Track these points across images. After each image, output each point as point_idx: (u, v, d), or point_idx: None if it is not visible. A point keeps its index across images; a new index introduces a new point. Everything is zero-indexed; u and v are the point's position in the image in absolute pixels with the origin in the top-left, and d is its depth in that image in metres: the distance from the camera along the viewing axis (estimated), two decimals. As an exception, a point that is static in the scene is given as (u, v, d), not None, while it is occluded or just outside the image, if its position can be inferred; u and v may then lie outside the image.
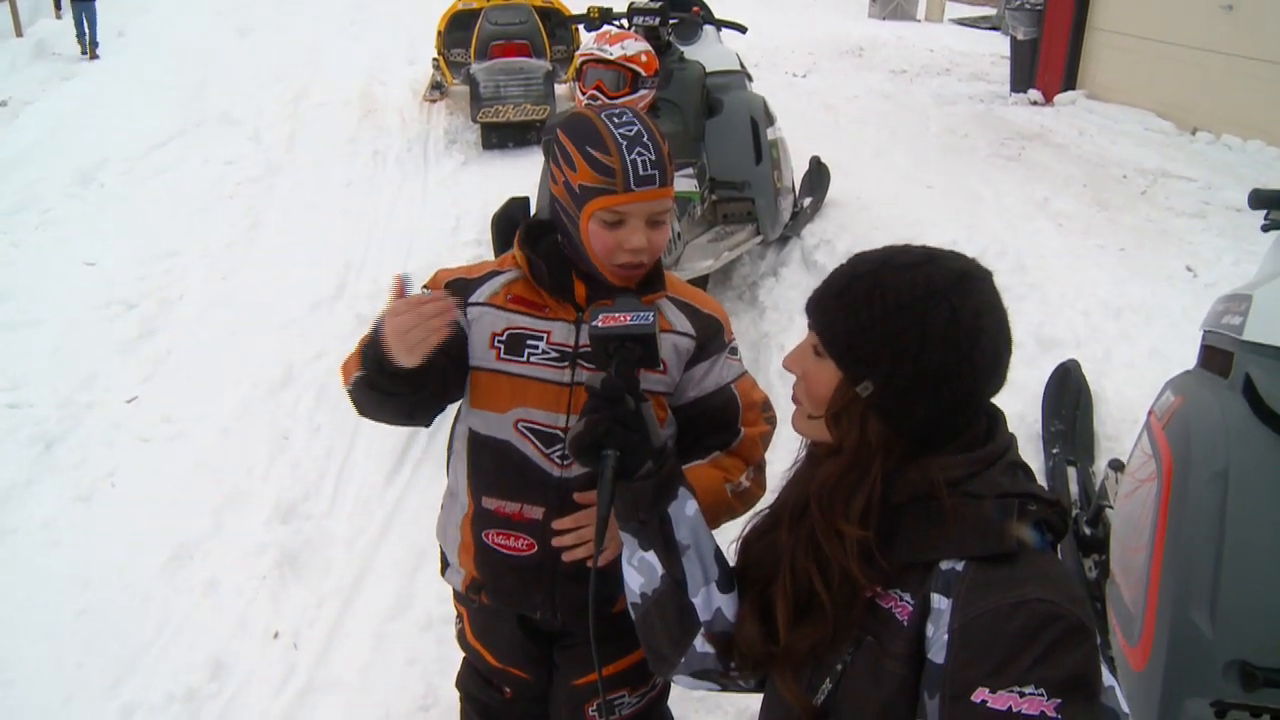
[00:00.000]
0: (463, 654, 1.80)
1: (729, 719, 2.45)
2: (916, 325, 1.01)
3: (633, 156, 1.35)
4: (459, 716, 1.87)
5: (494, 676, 1.73)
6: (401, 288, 1.35)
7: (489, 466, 1.51)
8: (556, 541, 1.46)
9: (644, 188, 1.36)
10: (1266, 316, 1.86)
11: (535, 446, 1.47)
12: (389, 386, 1.37)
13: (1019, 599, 0.94)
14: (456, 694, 1.86)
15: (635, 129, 1.37)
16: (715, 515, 1.45)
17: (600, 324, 1.23)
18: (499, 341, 1.47)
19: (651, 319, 1.23)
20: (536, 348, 1.46)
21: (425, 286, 1.55)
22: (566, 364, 1.45)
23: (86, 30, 11.24)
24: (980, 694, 0.92)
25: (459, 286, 1.51)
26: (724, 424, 1.54)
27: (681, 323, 1.51)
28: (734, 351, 1.57)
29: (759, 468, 1.57)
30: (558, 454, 1.47)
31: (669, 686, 1.75)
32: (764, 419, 1.59)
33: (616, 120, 1.38)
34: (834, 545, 1.06)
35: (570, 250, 1.46)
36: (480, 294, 1.50)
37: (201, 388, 3.99)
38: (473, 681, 1.78)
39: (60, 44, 11.33)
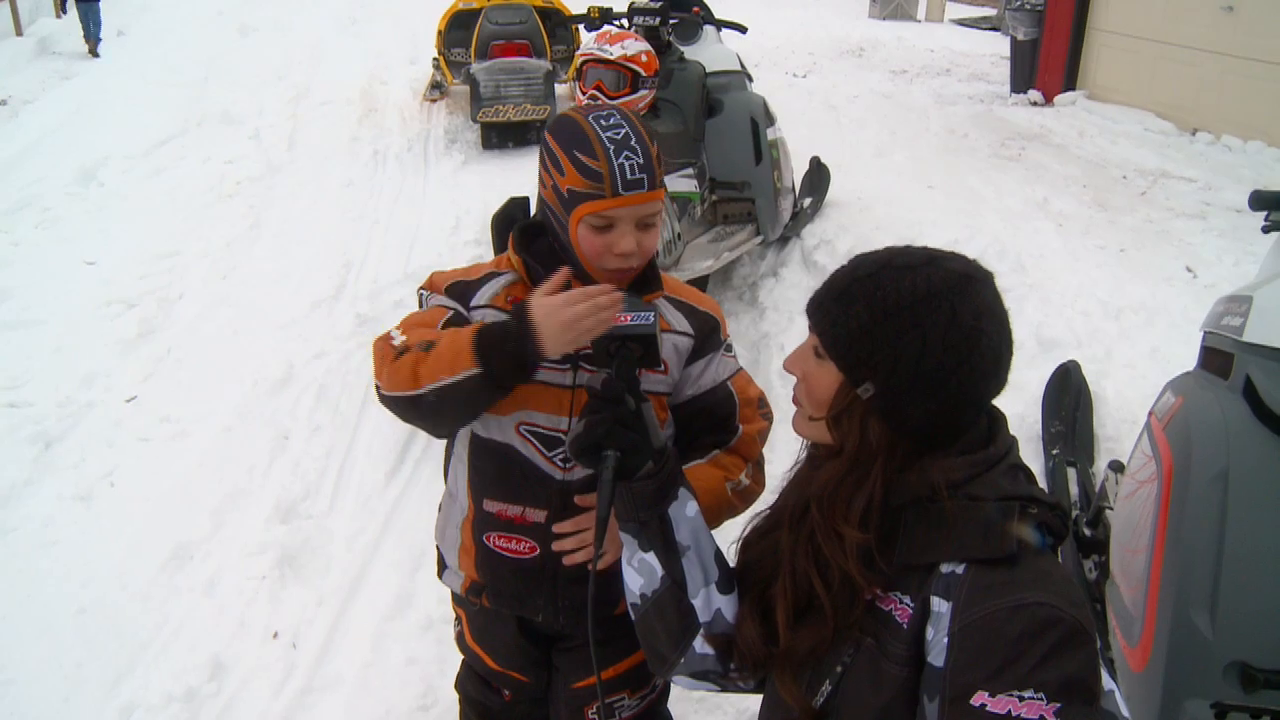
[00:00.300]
0: (461, 655, 1.80)
1: (728, 720, 2.45)
2: (917, 327, 1.01)
3: (620, 160, 1.34)
4: (458, 718, 1.87)
5: (493, 679, 1.73)
6: (564, 279, 1.33)
7: (490, 470, 1.51)
8: (557, 545, 1.46)
9: (632, 191, 1.35)
10: (1267, 318, 1.86)
11: (537, 449, 1.47)
12: (515, 381, 1.31)
13: (1019, 602, 0.94)
14: (456, 694, 1.86)
15: (623, 131, 1.36)
16: (716, 514, 1.46)
17: None
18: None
19: (652, 319, 1.23)
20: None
21: (422, 288, 1.55)
22: (568, 366, 1.44)
23: (91, 28, 11.31)
24: (979, 697, 0.92)
25: (459, 289, 1.50)
26: (722, 421, 1.55)
27: (680, 322, 1.51)
28: (729, 349, 1.58)
29: (758, 465, 1.57)
30: (560, 456, 1.46)
31: (669, 687, 1.75)
32: (760, 415, 1.59)
33: (604, 123, 1.36)
34: (834, 547, 1.06)
35: (561, 253, 1.45)
36: (481, 296, 1.49)
37: (201, 387, 3.99)
38: (472, 683, 1.78)
39: (61, 43, 11.33)
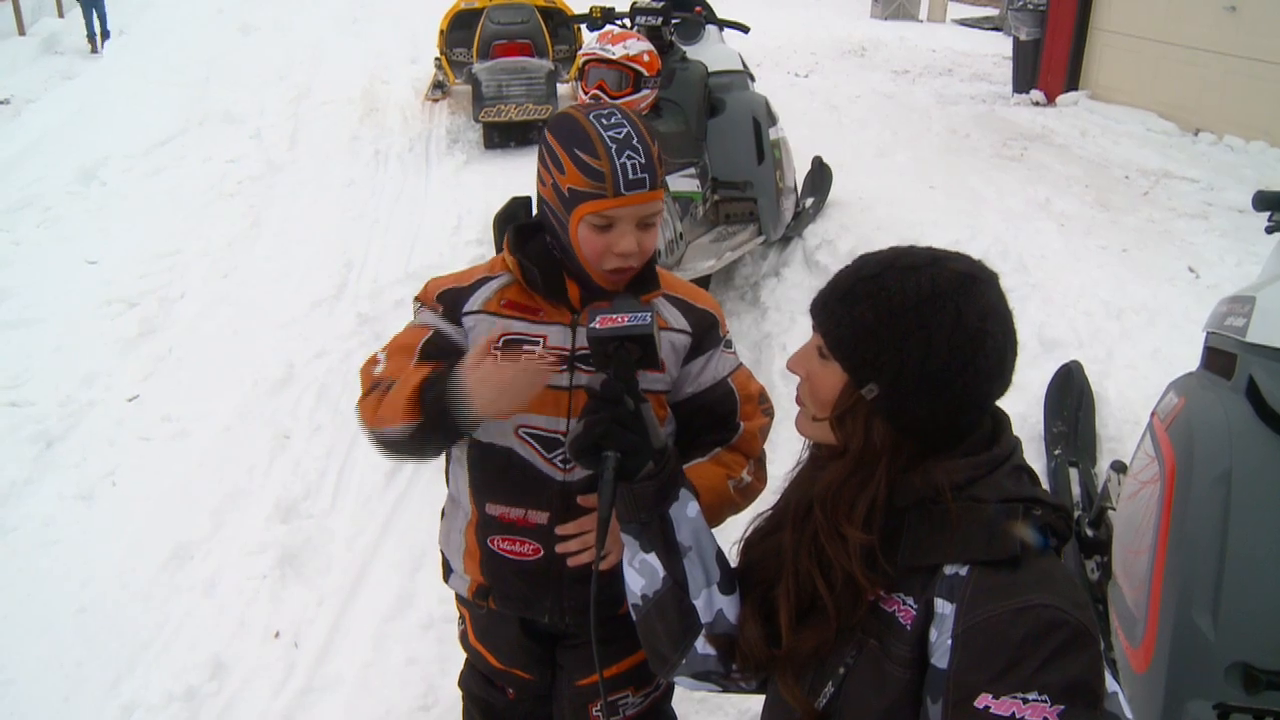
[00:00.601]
0: (464, 653, 1.80)
1: (730, 720, 2.45)
2: (921, 328, 1.01)
3: (622, 160, 1.33)
4: (461, 715, 1.87)
5: (497, 677, 1.73)
6: (493, 341, 1.38)
7: (491, 473, 1.51)
8: (560, 548, 1.46)
9: (634, 191, 1.34)
10: (1270, 318, 1.86)
11: (537, 451, 1.47)
12: (455, 435, 1.39)
13: (1023, 604, 0.94)
14: (457, 693, 1.86)
15: (625, 131, 1.35)
16: (719, 512, 1.46)
17: (598, 325, 1.22)
18: (495, 349, 1.46)
19: (650, 319, 1.22)
20: (534, 353, 1.45)
21: (417, 299, 1.55)
22: (564, 367, 1.44)
23: (97, 26, 11.40)
24: (983, 700, 0.92)
25: (451, 298, 1.50)
26: (722, 419, 1.54)
27: (677, 319, 1.50)
28: (729, 345, 1.57)
29: (759, 462, 1.57)
30: (560, 458, 1.46)
31: (672, 686, 1.75)
32: (761, 411, 1.59)
33: (605, 122, 1.36)
34: (837, 548, 1.06)
35: (559, 252, 1.45)
36: (474, 302, 1.49)
37: (202, 386, 3.99)
38: (475, 681, 1.78)
39: (63, 42, 11.36)
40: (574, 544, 1.45)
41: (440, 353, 1.45)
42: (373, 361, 1.49)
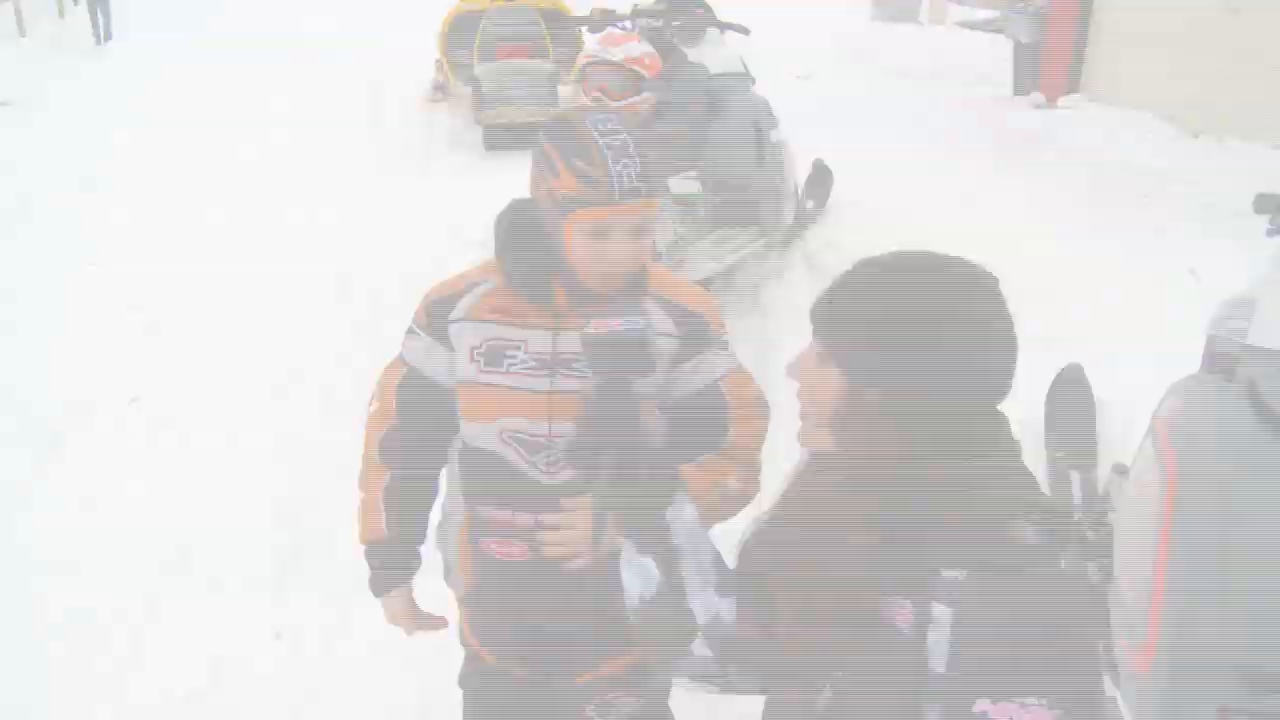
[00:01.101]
0: (464, 652, 1.80)
1: (729, 722, 2.44)
2: (923, 333, 1.01)
3: (618, 168, 1.32)
4: (461, 713, 1.87)
5: (494, 674, 1.74)
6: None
7: (479, 476, 1.53)
8: (545, 537, 1.46)
9: (629, 200, 1.34)
10: (1271, 320, 1.86)
11: (521, 455, 1.48)
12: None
13: (1023, 608, 0.94)
14: (457, 694, 1.86)
15: (621, 138, 1.34)
16: (704, 519, 1.44)
17: (593, 329, 1.22)
18: (478, 355, 1.47)
19: (645, 322, 1.22)
20: (515, 357, 1.46)
21: (414, 314, 1.57)
22: (545, 372, 1.45)
23: (101, 22, 11.46)
24: (981, 705, 0.92)
25: (438, 309, 1.52)
26: (713, 423, 1.52)
27: (664, 323, 1.48)
28: (724, 346, 1.54)
29: (750, 467, 1.54)
30: (543, 461, 1.47)
31: (668, 687, 1.75)
32: (757, 415, 1.56)
33: (602, 128, 1.35)
34: (836, 551, 1.06)
35: (551, 254, 1.45)
36: (458, 310, 1.50)
37: (203, 388, 4.00)
38: (474, 678, 1.79)
39: (65, 43, 11.37)
40: (553, 537, 1.45)
41: (415, 394, 1.56)
42: (371, 400, 1.63)
